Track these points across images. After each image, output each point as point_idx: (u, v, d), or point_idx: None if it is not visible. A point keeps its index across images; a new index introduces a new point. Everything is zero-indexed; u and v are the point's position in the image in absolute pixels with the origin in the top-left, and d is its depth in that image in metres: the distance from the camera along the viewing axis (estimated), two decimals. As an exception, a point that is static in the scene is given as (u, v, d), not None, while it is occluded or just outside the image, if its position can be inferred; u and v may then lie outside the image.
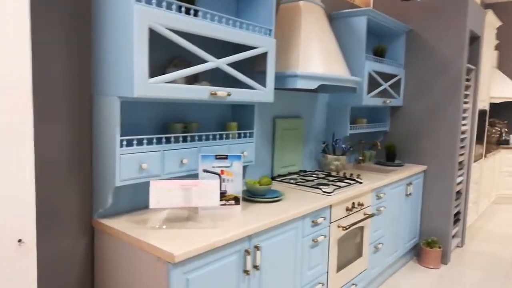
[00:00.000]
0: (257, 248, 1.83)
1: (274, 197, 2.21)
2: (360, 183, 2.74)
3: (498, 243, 4.25)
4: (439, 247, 3.53)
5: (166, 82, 1.66)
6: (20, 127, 1.23)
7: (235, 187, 2.00)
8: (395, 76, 3.57)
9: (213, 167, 1.95)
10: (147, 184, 1.98)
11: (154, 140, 1.78)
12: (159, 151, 1.79)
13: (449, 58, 3.49)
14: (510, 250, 4.04)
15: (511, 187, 5.91)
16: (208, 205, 1.75)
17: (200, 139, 2.03)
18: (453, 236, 3.84)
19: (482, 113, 4.51)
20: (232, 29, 1.92)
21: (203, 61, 1.83)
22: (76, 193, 1.74)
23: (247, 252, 1.78)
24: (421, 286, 3.17)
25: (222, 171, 1.97)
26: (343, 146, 3.15)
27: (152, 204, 1.68)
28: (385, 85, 3.34)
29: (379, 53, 3.39)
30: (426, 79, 3.63)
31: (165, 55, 1.97)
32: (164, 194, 1.70)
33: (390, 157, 3.66)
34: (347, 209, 2.52)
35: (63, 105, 1.66)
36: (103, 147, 1.70)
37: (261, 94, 2.13)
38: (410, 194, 3.39)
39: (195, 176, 2.02)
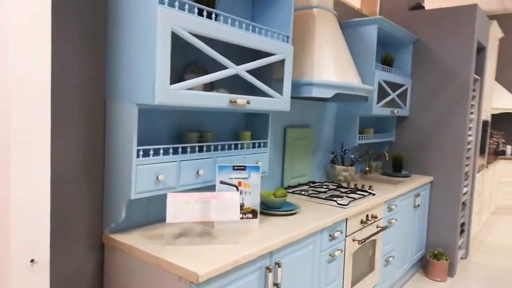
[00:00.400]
0: (278, 264, 1.73)
1: (290, 210, 2.12)
2: (374, 194, 2.67)
3: (501, 254, 4.20)
4: (446, 259, 3.46)
5: (186, 89, 1.57)
6: (37, 142, 1.12)
7: (253, 200, 1.90)
8: (402, 85, 3.52)
9: (230, 178, 1.86)
10: (160, 197, 1.87)
11: (171, 150, 1.68)
12: (175, 161, 1.68)
13: (456, 68, 3.46)
14: (515, 262, 4.01)
15: (510, 197, 5.90)
16: (227, 219, 1.65)
17: (216, 149, 1.93)
18: (458, 248, 3.78)
19: (484, 124, 4.49)
20: (252, 35, 1.83)
21: (220, 67, 1.74)
22: (87, 207, 1.62)
23: (268, 269, 1.68)
24: (431, 300, 3.10)
25: (239, 182, 1.87)
26: (352, 156, 3.08)
27: (169, 218, 1.56)
28: (393, 95, 3.29)
29: (387, 62, 3.33)
30: (432, 89, 3.59)
31: (180, 61, 1.87)
32: (181, 208, 1.59)
33: (397, 167, 3.60)
34: (362, 222, 2.44)
35: (75, 113, 1.55)
36: (118, 158, 1.59)
37: (278, 102, 2.04)
38: (418, 205, 3.33)
39: (210, 188, 1.91)
